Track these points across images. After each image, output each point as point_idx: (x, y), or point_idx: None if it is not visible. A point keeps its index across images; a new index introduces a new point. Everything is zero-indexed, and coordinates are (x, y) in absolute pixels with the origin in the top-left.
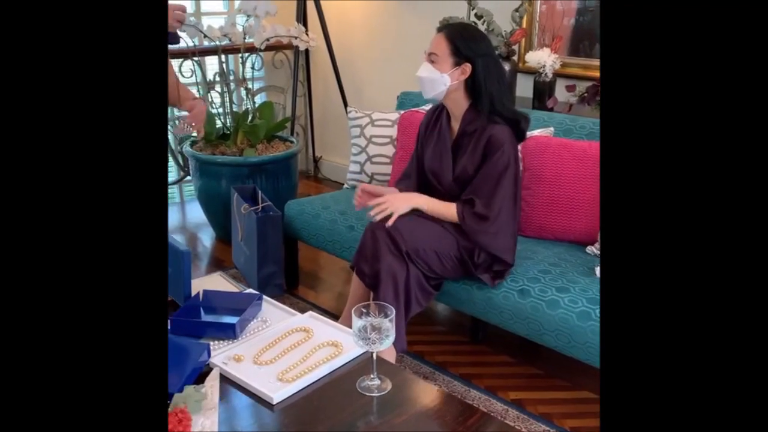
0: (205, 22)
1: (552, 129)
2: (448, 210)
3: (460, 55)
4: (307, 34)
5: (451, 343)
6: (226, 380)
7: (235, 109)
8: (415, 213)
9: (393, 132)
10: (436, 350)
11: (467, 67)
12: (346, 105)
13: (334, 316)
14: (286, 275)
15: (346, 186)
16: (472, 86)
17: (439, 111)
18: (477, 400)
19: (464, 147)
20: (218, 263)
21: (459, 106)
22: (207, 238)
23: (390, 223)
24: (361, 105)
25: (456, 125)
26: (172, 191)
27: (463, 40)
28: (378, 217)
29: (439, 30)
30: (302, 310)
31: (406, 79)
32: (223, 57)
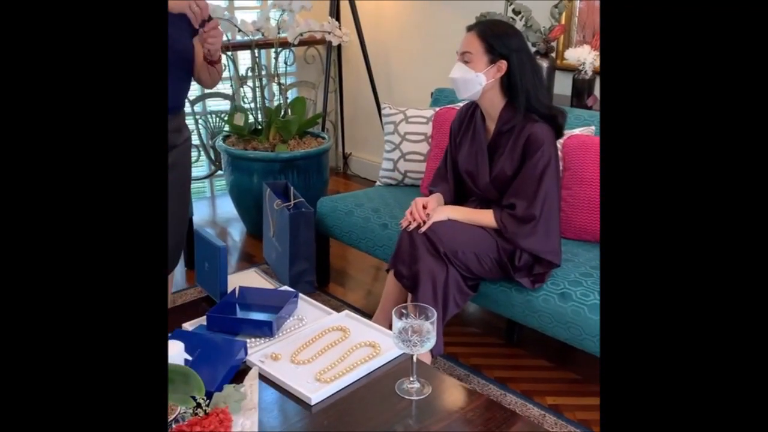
0: (238, 16)
1: (593, 128)
2: (484, 218)
3: (494, 53)
4: (340, 29)
5: (486, 345)
6: (262, 378)
7: (267, 105)
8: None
9: (428, 129)
10: (470, 352)
11: (503, 64)
12: (378, 101)
13: (365, 314)
14: (317, 272)
15: (378, 183)
16: (507, 83)
17: (473, 110)
18: (513, 404)
19: (502, 147)
20: (249, 258)
21: (494, 105)
22: (237, 232)
23: (424, 229)
24: (393, 101)
25: (491, 125)
26: (203, 185)
27: (496, 37)
28: (411, 227)
29: (469, 29)
30: (334, 308)
31: (439, 76)
32: (255, 52)
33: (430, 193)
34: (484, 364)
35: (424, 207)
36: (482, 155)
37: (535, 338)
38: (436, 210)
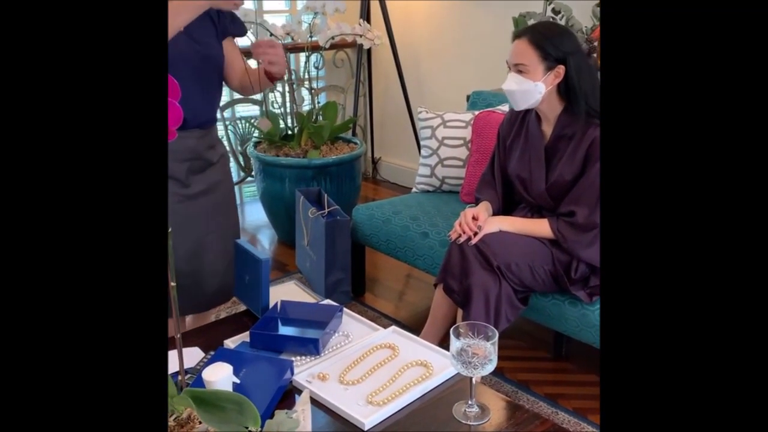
0: (267, 20)
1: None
2: (539, 228)
3: (550, 59)
4: (371, 32)
5: (532, 360)
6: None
7: (297, 110)
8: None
9: (466, 133)
10: (516, 367)
11: (560, 70)
12: (409, 105)
13: (405, 326)
14: (352, 282)
15: (414, 190)
16: (565, 88)
17: (524, 112)
18: (566, 423)
19: (560, 152)
20: (281, 267)
21: (553, 108)
22: (266, 240)
23: (475, 241)
24: (425, 104)
25: (548, 128)
26: None
27: (550, 42)
28: (461, 239)
29: (518, 36)
30: (371, 319)
31: (473, 78)
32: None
33: (477, 200)
34: (532, 379)
35: (475, 218)
36: (538, 161)
37: (583, 352)
38: (487, 221)
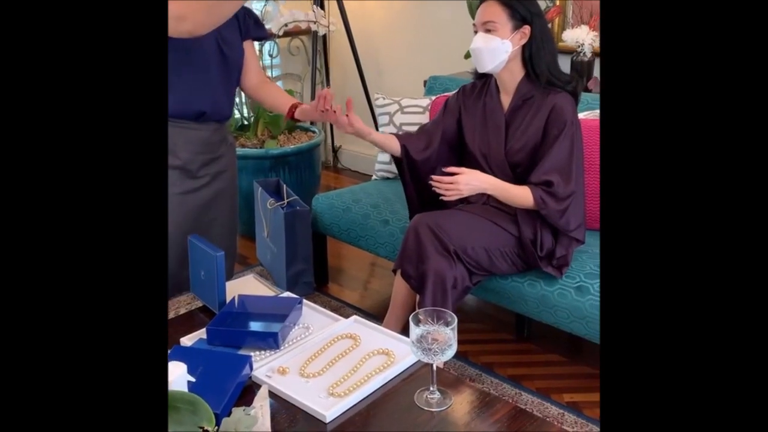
0: None
1: (599, 112)
2: (520, 193)
3: (517, 18)
4: (325, 18)
5: (495, 342)
6: (270, 395)
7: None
8: (461, 209)
9: (424, 119)
10: (480, 350)
11: (526, 30)
12: (367, 91)
13: (369, 314)
14: (315, 272)
15: (375, 177)
16: (529, 51)
17: (481, 86)
18: (530, 404)
19: (519, 119)
20: (242, 260)
21: (514, 76)
22: None
23: (457, 197)
24: (383, 91)
25: (507, 99)
26: None
27: (518, 1)
28: (447, 194)
29: None
30: (334, 309)
31: (431, 64)
32: None
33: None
34: (496, 361)
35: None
36: (497, 130)
37: (545, 332)
38: (479, 176)
